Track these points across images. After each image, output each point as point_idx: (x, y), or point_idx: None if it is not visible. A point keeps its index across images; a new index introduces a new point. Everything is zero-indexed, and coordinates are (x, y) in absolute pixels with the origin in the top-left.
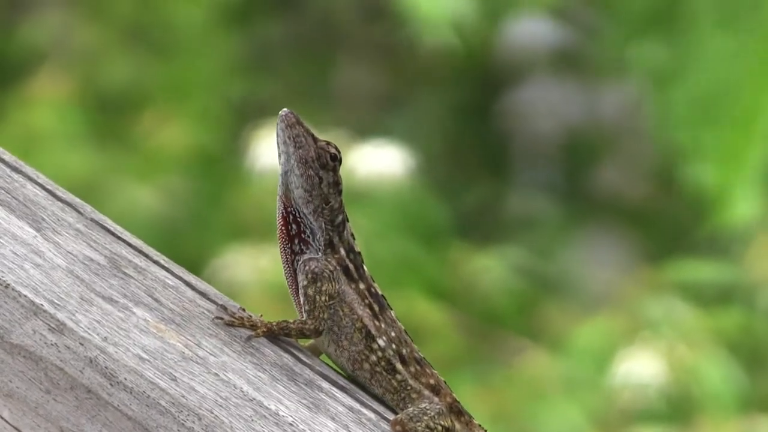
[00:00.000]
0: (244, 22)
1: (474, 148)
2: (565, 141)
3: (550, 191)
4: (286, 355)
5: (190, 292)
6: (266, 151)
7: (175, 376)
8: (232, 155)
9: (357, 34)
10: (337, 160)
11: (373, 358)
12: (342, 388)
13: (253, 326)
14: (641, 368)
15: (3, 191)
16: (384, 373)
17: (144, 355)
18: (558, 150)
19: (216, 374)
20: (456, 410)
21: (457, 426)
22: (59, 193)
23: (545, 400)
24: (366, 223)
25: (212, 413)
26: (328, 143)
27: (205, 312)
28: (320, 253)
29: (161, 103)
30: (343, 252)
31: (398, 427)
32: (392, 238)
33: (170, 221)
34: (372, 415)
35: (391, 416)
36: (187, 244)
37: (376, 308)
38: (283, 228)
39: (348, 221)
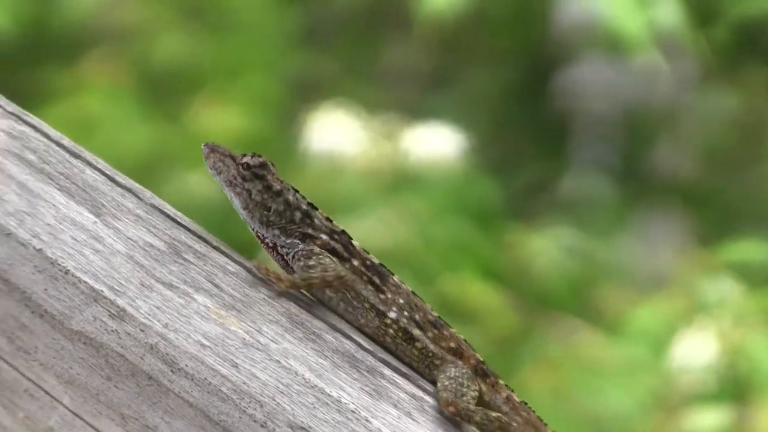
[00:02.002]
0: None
1: (527, 127)
2: (621, 120)
3: (605, 171)
4: (347, 342)
5: (250, 278)
6: (320, 133)
7: (236, 363)
8: (286, 136)
9: (407, 10)
10: (253, 167)
11: (391, 331)
12: (404, 375)
13: (278, 278)
14: (699, 350)
15: (63, 177)
16: (404, 343)
17: (205, 342)
18: (613, 130)
19: (278, 361)
20: (481, 372)
21: (483, 388)
22: (119, 179)
23: (602, 379)
24: (420, 205)
25: (274, 400)
26: (243, 155)
27: (266, 298)
28: (303, 246)
29: (215, 83)
30: (324, 237)
31: (451, 408)
32: (446, 219)
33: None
34: (434, 402)
35: None
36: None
37: (377, 280)
38: (263, 245)
39: (316, 209)
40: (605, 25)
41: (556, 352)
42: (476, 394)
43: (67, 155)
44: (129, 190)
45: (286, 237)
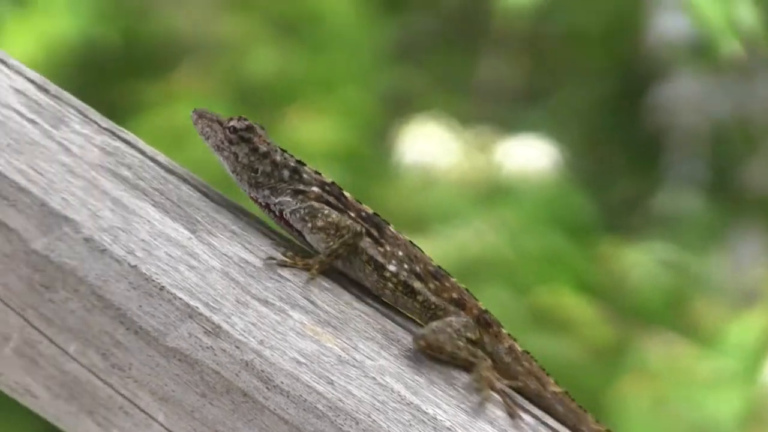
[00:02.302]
0: (390, 14)
1: (620, 142)
2: (714, 136)
3: (697, 186)
4: None
5: (346, 295)
6: (413, 145)
7: (332, 380)
8: (378, 149)
9: (499, 25)
10: (239, 130)
11: (390, 284)
12: (501, 392)
13: (306, 266)
14: None
15: (158, 193)
16: (405, 296)
17: (301, 359)
18: (705, 145)
19: (373, 378)
20: (483, 322)
21: (485, 338)
22: (213, 195)
23: (698, 391)
24: (513, 217)
25: (370, 417)
26: (230, 119)
27: (362, 315)
28: (296, 201)
29: (308, 97)
30: (316, 189)
31: (422, 342)
32: (539, 231)
33: None
34: (530, 420)
35: (550, 420)
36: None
37: (375, 233)
38: (257, 204)
39: (304, 165)
40: (692, 16)
41: (652, 364)
42: (465, 340)
43: (161, 171)
44: (224, 206)
45: (276, 196)
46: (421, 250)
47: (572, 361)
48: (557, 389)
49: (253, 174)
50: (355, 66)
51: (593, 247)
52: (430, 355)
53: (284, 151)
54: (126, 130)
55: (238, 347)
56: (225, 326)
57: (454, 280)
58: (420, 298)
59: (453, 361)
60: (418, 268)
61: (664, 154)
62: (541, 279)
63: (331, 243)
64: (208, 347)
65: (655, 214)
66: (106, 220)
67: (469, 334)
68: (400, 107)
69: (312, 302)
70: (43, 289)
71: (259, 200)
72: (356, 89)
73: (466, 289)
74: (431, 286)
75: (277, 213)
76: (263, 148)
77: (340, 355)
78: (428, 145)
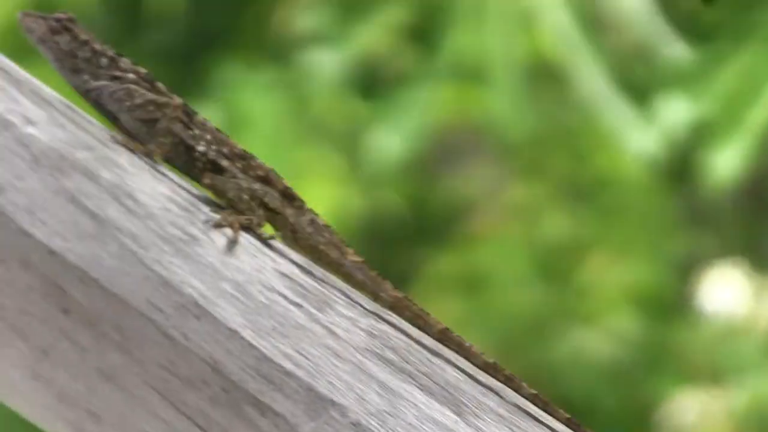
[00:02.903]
0: (680, 180)
1: None
2: None
3: None
4: None
5: None
6: (714, 295)
7: None
8: (678, 300)
9: None
10: (63, 20)
11: (199, 164)
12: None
13: (147, 151)
14: None
15: (424, 376)
16: (213, 174)
17: None
18: None
19: None
20: (289, 195)
21: (289, 210)
22: (480, 377)
23: None
24: None
25: None
26: (53, 13)
27: None
28: (113, 84)
29: (602, 252)
30: (132, 76)
31: (207, 180)
32: None
33: (619, 365)
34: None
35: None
36: (636, 388)
37: (186, 119)
38: (78, 93)
39: (122, 56)
40: None
41: None
42: (251, 196)
43: (427, 354)
44: (491, 389)
45: (95, 80)
46: (227, 136)
47: None
48: (356, 258)
49: (74, 60)
50: (646, 230)
51: None
52: (213, 200)
53: (104, 43)
54: (390, 313)
55: None
56: None
57: (260, 161)
58: (228, 174)
59: (231, 208)
60: (225, 150)
61: None
62: None
63: (159, 119)
64: None
65: None
66: (373, 404)
67: (266, 200)
68: (701, 264)
69: None
70: None
71: (80, 88)
72: (648, 257)
73: (273, 170)
74: (239, 165)
75: (93, 98)
76: (84, 36)
77: None
78: (730, 294)
